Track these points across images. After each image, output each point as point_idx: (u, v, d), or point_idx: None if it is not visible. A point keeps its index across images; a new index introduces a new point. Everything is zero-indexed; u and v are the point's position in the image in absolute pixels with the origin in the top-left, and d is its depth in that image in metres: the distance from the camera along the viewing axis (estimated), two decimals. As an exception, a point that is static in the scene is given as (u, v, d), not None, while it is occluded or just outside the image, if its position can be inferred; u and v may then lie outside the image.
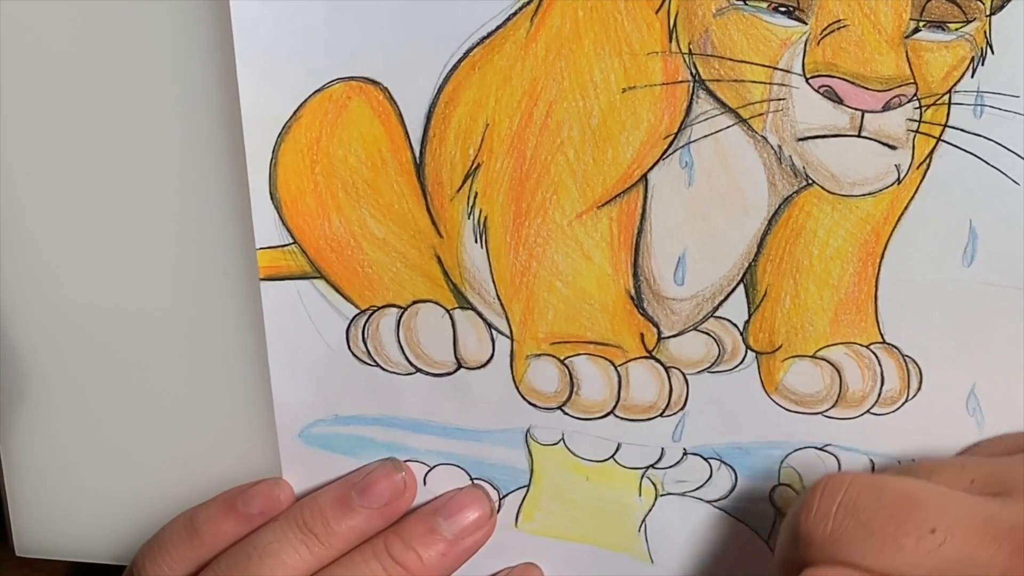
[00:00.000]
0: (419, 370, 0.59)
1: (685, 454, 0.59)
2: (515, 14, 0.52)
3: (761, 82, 0.52)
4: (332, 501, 0.61)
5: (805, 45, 0.51)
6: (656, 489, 0.60)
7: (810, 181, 0.54)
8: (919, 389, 0.56)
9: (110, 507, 0.66)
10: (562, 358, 0.58)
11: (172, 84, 0.56)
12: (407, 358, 0.59)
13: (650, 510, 0.61)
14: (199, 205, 0.58)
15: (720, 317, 0.57)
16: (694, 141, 0.54)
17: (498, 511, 0.62)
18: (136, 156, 0.57)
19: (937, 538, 0.48)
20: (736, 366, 0.57)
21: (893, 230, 0.54)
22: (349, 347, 0.59)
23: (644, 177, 0.54)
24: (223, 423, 0.62)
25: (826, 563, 0.49)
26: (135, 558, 0.63)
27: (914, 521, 0.48)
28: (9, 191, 0.59)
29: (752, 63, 0.52)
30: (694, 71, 0.53)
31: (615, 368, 0.58)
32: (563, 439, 0.60)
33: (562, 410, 0.59)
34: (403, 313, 0.58)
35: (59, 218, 0.59)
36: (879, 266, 0.55)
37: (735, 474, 0.59)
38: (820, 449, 0.57)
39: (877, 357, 0.56)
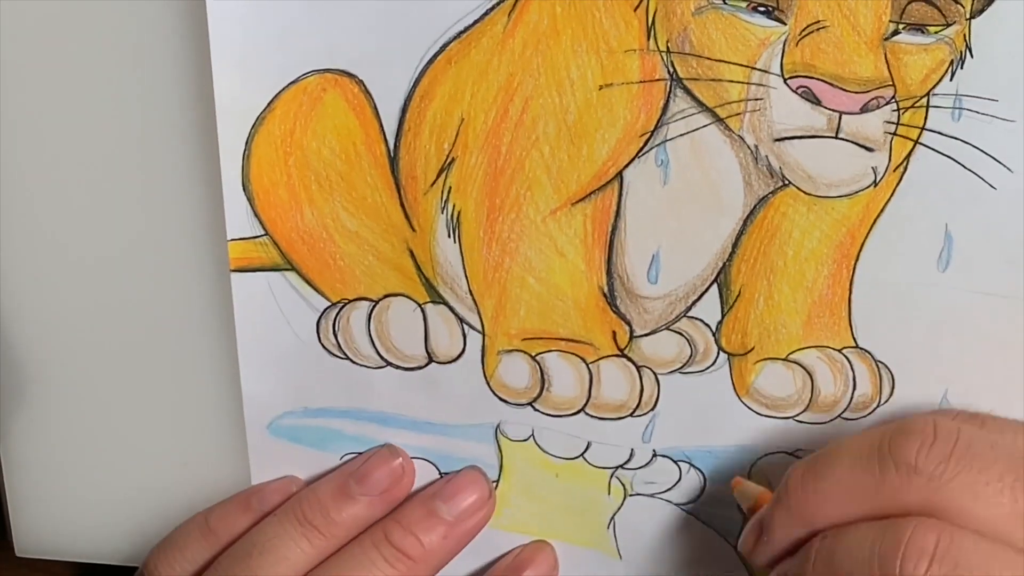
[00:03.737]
0: (389, 364, 0.59)
1: (655, 455, 0.59)
2: (492, 9, 0.52)
3: (739, 82, 0.52)
4: (331, 492, 0.60)
5: (784, 45, 0.51)
6: (625, 489, 0.60)
7: (786, 182, 0.53)
8: (891, 395, 0.56)
9: (109, 507, 0.66)
10: (533, 354, 0.58)
11: (146, 74, 0.55)
12: (377, 351, 0.59)
13: (619, 509, 0.60)
14: (172, 196, 0.57)
15: (693, 317, 0.56)
16: (670, 139, 0.53)
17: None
18: (107, 146, 0.57)
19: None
20: (708, 367, 0.57)
21: (869, 233, 0.54)
22: (319, 339, 0.59)
23: (619, 175, 0.54)
24: (204, 417, 0.62)
25: (926, 504, 0.48)
26: (147, 560, 0.63)
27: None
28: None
29: (730, 62, 0.52)
30: (672, 69, 0.52)
31: (586, 365, 0.58)
32: (533, 435, 0.60)
33: (532, 406, 0.59)
34: (374, 307, 0.58)
35: (29, 212, 0.59)
36: (854, 269, 0.55)
37: (704, 477, 0.59)
38: (791, 454, 0.57)
39: (849, 361, 0.56)
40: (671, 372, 0.57)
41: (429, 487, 0.61)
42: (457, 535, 0.61)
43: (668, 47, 0.52)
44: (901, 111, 0.52)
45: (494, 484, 0.61)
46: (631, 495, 0.60)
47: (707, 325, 0.56)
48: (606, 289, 0.56)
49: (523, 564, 0.62)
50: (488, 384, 0.59)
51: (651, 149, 0.54)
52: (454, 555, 0.61)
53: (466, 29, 0.53)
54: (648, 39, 0.52)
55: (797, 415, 0.57)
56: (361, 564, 0.59)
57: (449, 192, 0.55)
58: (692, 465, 0.59)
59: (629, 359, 0.57)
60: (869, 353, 0.55)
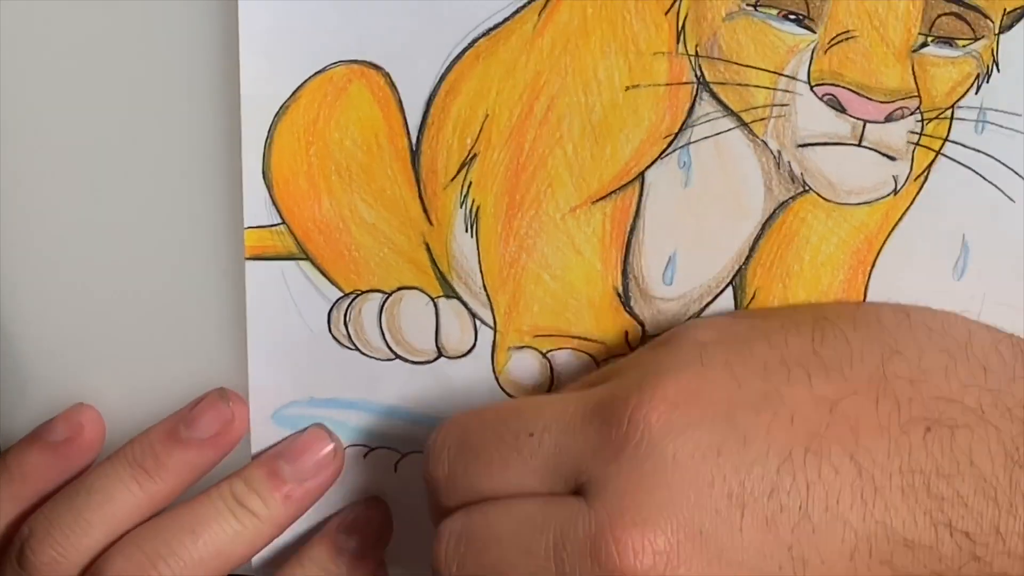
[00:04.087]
0: (399, 357, 0.59)
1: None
2: (523, 7, 0.52)
3: (766, 87, 0.52)
4: (161, 435, 0.60)
5: (812, 53, 0.51)
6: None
7: (807, 187, 0.54)
8: (903, 401, 0.56)
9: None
10: (544, 351, 0.58)
11: (171, 59, 0.55)
12: (388, 344, 0.59)
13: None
14: (189, 182, 0.57)
15: (707, 319, 0.57)
16: (694, 142, 0.53)
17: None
18: (126, 130, 0.57)
19: (535, 439, 0.50)
20: (720, 369, 0.57)
21: (886, 240, 0.54)
22: (330, 330, 0.59)
23: (641, 175, 0.54)
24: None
25: (456, 504, 0.52)
26: None
27: (512, 431, 0.51)
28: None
29: (758, 68, 0.52)
30: (699, 73, 0.52)
31: (597, 364, 0.58)
32: (540, 432, 0.60)
33: (541, 403, 0.59)
34: (387, 299, 0.58)
35: (51, 199, 0.59)
36: (869, 275, 0.55)
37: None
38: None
39: (862, 367, 0.56)
40: (683, 373, 0.57)
41: (275, 446, 0.61)
42: (301, 494, 0.61)
43: (697, 51, 0.52)
44: (925, 122, 0.52)
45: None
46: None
47: (721, 327, 0.57)
48: (621, 289, 0.56)
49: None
50: (497, 380, 0.59)
51: (674, 151, 0.54)
52: (301, 513, 0.61)
53: (496, 26, 0.52)
54: (678, 42, 0.52)
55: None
56: (209, 514, 0.60)
57: (469, 187, 0.55)
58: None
59: (641, 359, 0.57)
60: (883, 360, 0.56)
